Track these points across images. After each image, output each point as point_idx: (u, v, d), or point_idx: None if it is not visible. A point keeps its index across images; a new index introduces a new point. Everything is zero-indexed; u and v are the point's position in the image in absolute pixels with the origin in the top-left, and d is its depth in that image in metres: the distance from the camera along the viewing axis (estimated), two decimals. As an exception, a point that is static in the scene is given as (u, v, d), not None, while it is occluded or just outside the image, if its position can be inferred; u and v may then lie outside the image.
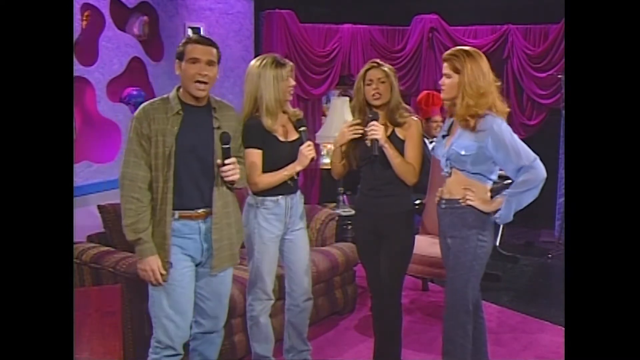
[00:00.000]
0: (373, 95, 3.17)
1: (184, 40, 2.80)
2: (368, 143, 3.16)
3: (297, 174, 3.22)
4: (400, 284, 3.30)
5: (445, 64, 2.92)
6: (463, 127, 2.89)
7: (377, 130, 3.11)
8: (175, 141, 2.70)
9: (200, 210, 2.79)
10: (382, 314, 3.32)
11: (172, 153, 2.70)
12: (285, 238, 3.28)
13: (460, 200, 2.92)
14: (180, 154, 2.71)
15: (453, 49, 2.97)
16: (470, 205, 2.90)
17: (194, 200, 2.78)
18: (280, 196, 3.18)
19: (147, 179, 2.71)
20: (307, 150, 3.13)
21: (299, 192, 3.31)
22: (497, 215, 2.91)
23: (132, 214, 2.69)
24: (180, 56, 2.75)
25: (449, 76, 2.90)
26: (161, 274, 2.73)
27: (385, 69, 3.19)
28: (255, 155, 3.12)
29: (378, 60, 3.25)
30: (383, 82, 3.17)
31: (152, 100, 2.81)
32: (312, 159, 3.17)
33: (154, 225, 2.73)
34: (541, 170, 2.82)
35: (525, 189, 2.82)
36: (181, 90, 2.80)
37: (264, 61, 3.12)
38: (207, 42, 2.78)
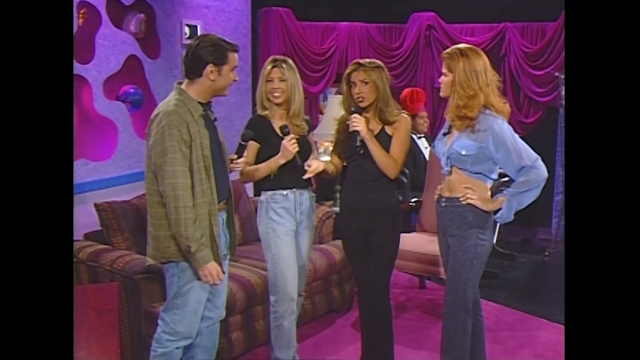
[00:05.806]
0: (357, 98, 3.14)
1: (219, 47, 2.74)
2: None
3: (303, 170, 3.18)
4: (388, 279, 3.29)
5: (443, 62, 2.93)
6: (454, 128, 2.90)
7: (357, 123, 3.07)
8: (210, 141, 2.74)
9: (222, 203, 2.86)
10: (372, 310, 3.31)
11: (210, 153, 2.73)
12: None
13: (461, 199, 2.91)
14: (213, 152, 2.76)
15: (451, 47, 2.95)
16: (470, 204, 2.89)
17: (221, 194, 2.83)
18: (289, 190, 3.21)
19: (190, 186, 2.70)
20: (289, 144, 3.10)
21: (309, 190, 3.32)
22: (498, 215, 2.90)
23: (190, 223, 2.66)
24: (219, 63, 2.73)
25: (445, 74, 2.91)
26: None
27: (368, 69, 3.12)
28: (250, 147, 3.16)
29: (360, 60, 3.18)
30: (366, 83, 3.12)
31: (175, 104, 2.71)
32: (296, 153, 3.11)
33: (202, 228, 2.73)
34: (543, 170, 2.81)
35: (526, 188, 2.82)
36: (192, 90, 2.76)
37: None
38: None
